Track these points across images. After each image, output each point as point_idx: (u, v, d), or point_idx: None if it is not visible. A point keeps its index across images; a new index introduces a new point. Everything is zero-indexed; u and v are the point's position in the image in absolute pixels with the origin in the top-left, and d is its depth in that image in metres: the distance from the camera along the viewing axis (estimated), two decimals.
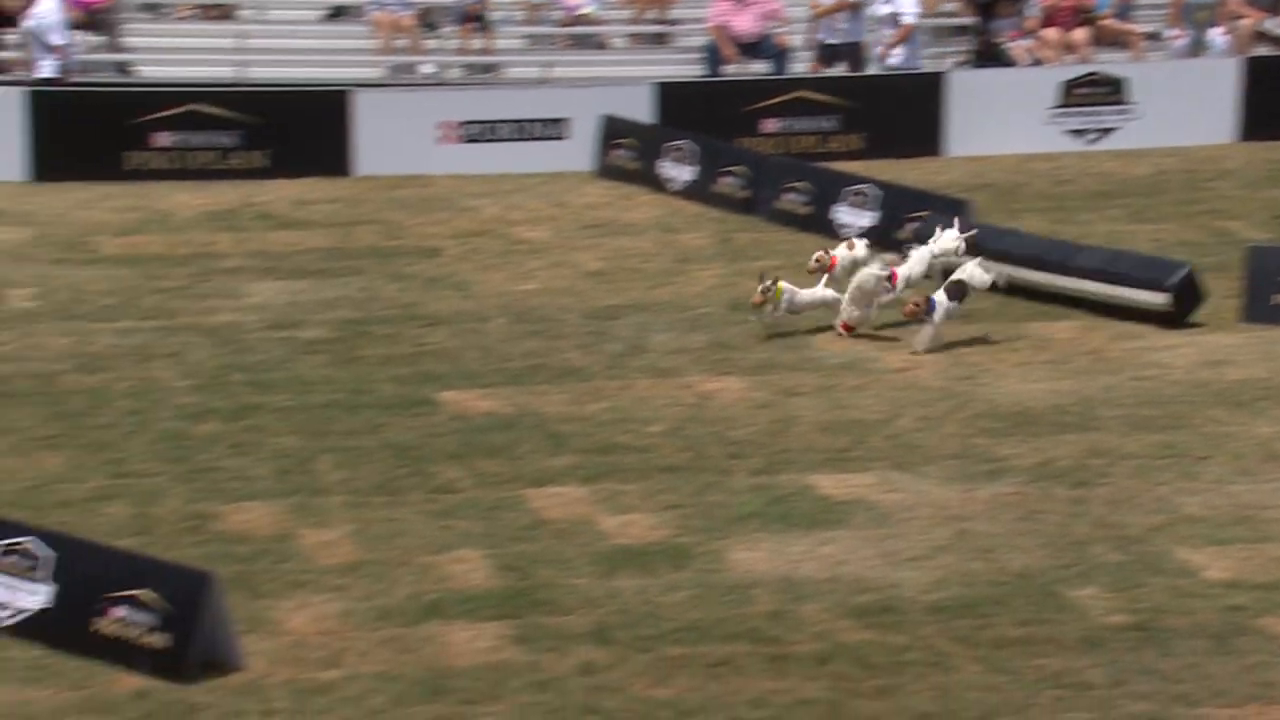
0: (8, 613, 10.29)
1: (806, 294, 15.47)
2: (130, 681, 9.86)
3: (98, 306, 16.25)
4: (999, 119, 21.95)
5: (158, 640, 9.94)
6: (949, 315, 15.14)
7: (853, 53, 22.85)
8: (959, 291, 15.23)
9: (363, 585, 11.14)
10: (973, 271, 15.36)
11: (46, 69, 21.27)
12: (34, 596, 10.25)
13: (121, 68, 22.89)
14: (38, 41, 21.26)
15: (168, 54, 22.94)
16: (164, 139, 20.58)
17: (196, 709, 9.66)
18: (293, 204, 19.73)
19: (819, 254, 16.03)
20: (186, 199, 19.75)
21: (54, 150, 20.18)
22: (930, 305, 15.05)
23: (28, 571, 10.28)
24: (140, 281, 16.99)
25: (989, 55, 23.69)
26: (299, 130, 20.80)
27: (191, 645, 9.91)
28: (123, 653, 9.98)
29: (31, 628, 10.21)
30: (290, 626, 10.60)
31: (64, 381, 14.37)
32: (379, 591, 11.07)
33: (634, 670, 10.27)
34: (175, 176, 20.39)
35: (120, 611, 10.02)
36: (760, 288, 15.14)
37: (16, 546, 10.32)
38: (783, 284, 15.14)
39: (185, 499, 12.25)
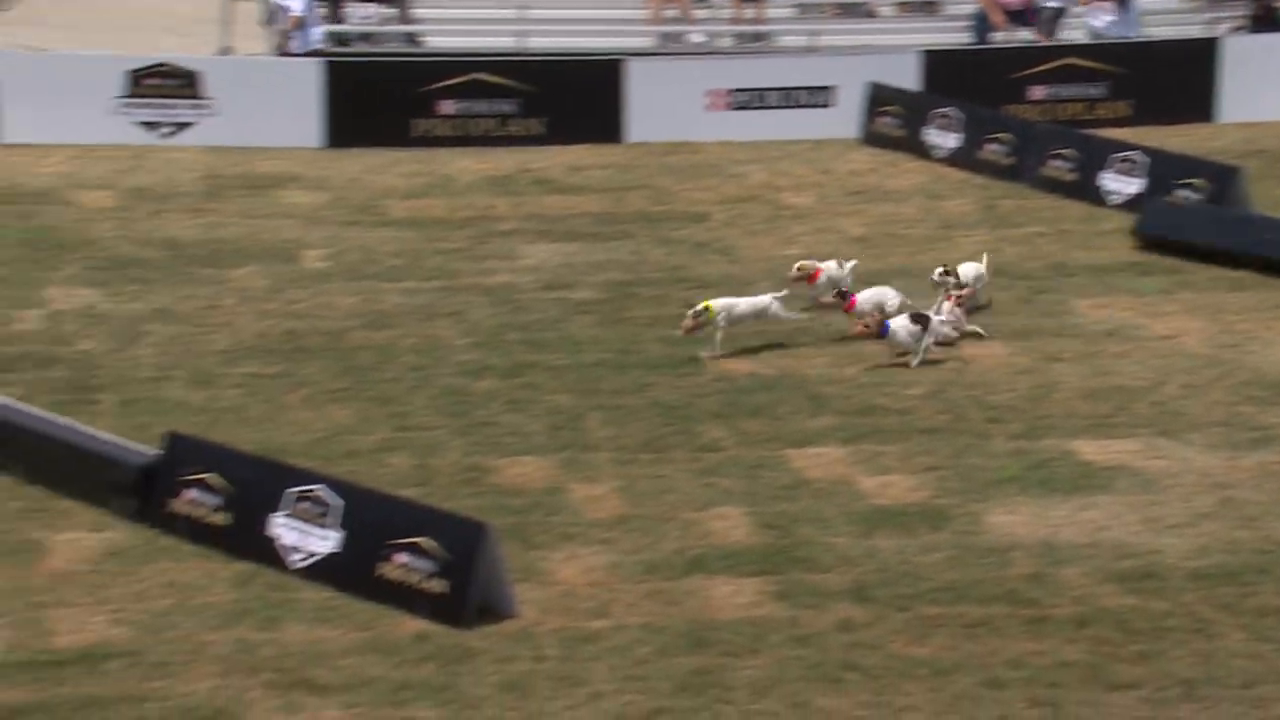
0: (300, 556, 10.63)
1: (745, 304, 14.26)
2: (412, 624, 10.12)
3: (385, 267, 16.67)
4: (1275, 84, 21.17)
5: (437, 586, 10.18)
6: (912, 337, 13.90)
7: (1049, 20, 22.31)
8: (920, 319, 14.03)
9: (629, 539, 11.27)
10: (938, 321, 14.22)
11: (284, 38, 21.82)
12: (324, 541, 10.58)
13: (410, 38, 23.41)
14: (279, 12, 21.82)
15: (453, 24, 23.38)
16: (448, 107, 21.00)
17: (473, 653, 9.87)
18: (567, 169, 19.97)
19: (801, 263, 15.11)
20: (468, 164, 20.13)
21: (347, 118, 20.73)
22: (884, 329, 13.85)
23: (318, 518, 10.61)
24: (424, 244, 17.38)
25: (1267, 20, 22.83)
26: (574, 98, 21.04)
27: (468, 592, 10.13)
28: (404, 597, 10.25)
29: (322, 571, 10.54)
30: (560, 577, 10.77)
31: (353, 338, 14.78)
32: (645, 545, 11.18)
33: (892, 628, 10.21)
34: (458, 143, 20.80)
35: (403, 558, 10.28)
36: (691, 312, 14.00)
37: (309, 494, 10.67)
38: (713, 304, 14.06)
39: (463, 452, 12.51)
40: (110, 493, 11.30)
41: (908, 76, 21.19)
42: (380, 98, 20.84)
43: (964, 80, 21.08)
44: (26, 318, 14.96)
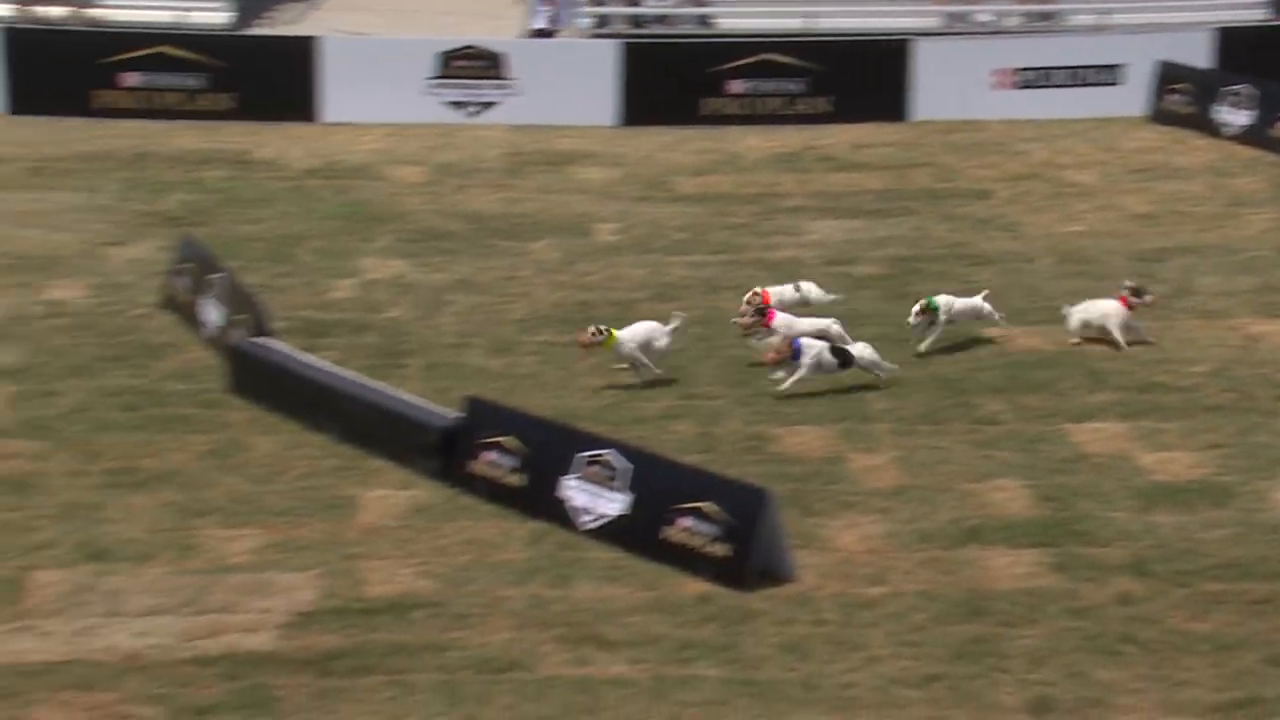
0: (590, 517, 10.78)
1: (643, 333, 12.99)
2: (694, 586, 10.18)
3: (672, 240, 16.78)
4: None
5: (719, 550, 10.22)
6: (821, 368, 12.70)
7: None
8: (841, 355, 12.81)
9: (907, 509, 11.16)
10: (862, 350, 12.95)
11: (541, 20, 22.04)
12: (612, 504, 10.70)
13: (703, 20, 23.50)
14: None
15: (743, 6, 23.41)
16: (737, 86, 21.04)
17: (753, 615, 9.89)
18: (852, 147, 19.83)
19: (750, 294, 13.64)
20: (755, 142, 20.15)
21: (641, 97, 20.93)
22: (796, 351, 12.66)
23: (607, 481, 10.75)
24: (711, 218, 17.45)
25: None
26: (860, 77, 20.89)
27: (750, 556, 10.15)
28: (688, 559, 10.31)
29: (610, 532, 10.67)
30: (839, 544, 10.72)
31: (641, 309, 14.82)
32: (922, 515, 11.07)
33: (1171, 603, 9.92)
34: (746, 121, 20.86)
35: (687, 522, 10.35)
36: (591, 330, 12.89)
37: (599, 458, 10.81)
38: (617, 333, 12.84)
39: (745, 421, 12.53)
40: (416, 453, 11.61)
41: (1199, 54, 20.50)
42: (673, 78, 20.99)
43: (1260, 57, 20.31)
44: (342, 286, 15.45)
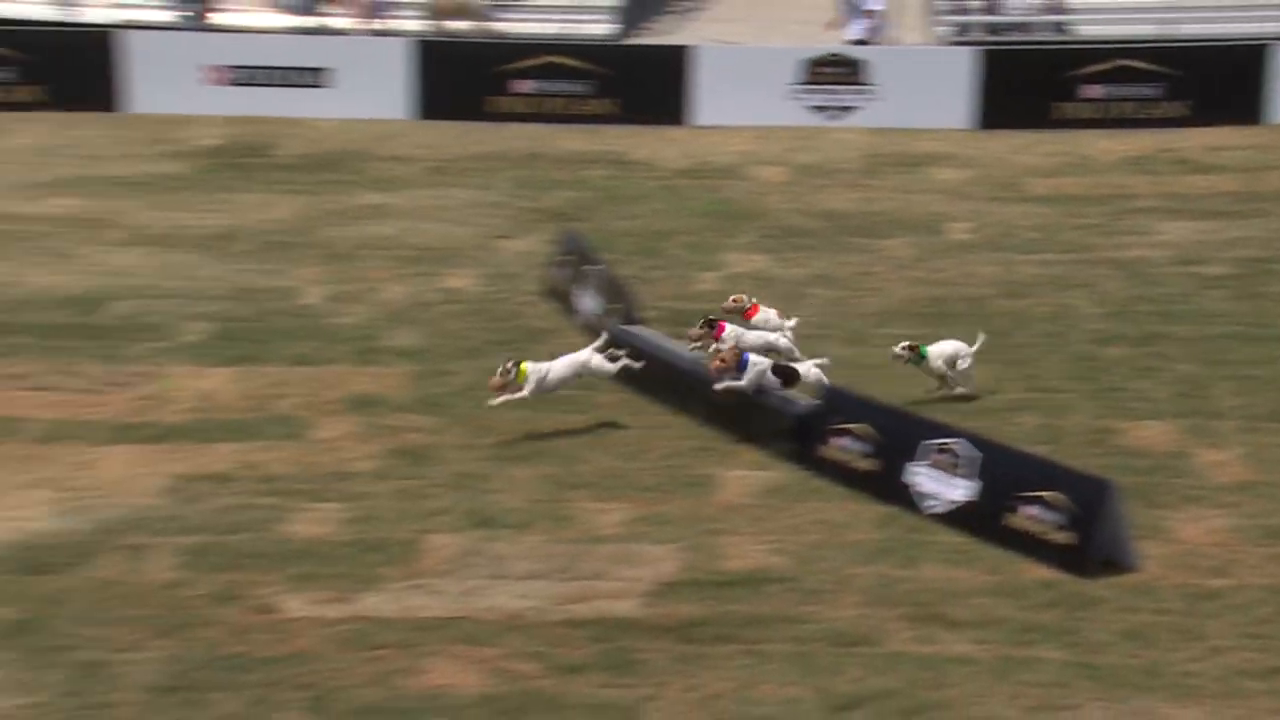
0: (937, 502, 10.70)
1: (562, 365, 12.06)
2: (1037, 572, 10.00)
3: (1023, 240, 16.46)
4: None
5: (1063, 538, 10.01)
6: (760, 382, 11.69)
7: None
8: (785, 374, 11.70)
9: (1254, 504, 10.71)
10: (808, 368, 11.82)
11: (855, 31, 21.70)
12: (958, 490, 10.60)
13: (1059, 27, 22.97)
14: (850, 5, 21.73)
15: (1101, 13, 22.79)
16: (1093, 91, 20.50)
17: (1095, 602, 9.67)
18: (1206, 150, 19.10)
19: (739, 296, 12.77)
20: (1108, 145, 19.59)
21: (995, 102, 20.59)
22: (742, 361, 11.69)
23: (953, 468, 10.64)
24: (1061, 219, 17.05)
25: None
26: (1217, 82, 20.11)
27: (1093, 545, 9.91)
28: (1031, 546, 10.13)
29: (955, 517, 10.57)
30: (1182, 536, 10.38)
31: (991, 305, 14.68)
32: (1270, 511, 10.61)
33: None
34: (1099, 125, 20.32)
35: (1031, 510, 10.17)
36: (499, 369, 11.92)
37: (946, 446, 10.71)
38: (526, 365, 11.94)
39: (1091, 414, 12.22)
40: (772, 437, 11.70)
41: None
42: (1028, 83, 20.59)
43: None
44: (707, 279, 15.66)
